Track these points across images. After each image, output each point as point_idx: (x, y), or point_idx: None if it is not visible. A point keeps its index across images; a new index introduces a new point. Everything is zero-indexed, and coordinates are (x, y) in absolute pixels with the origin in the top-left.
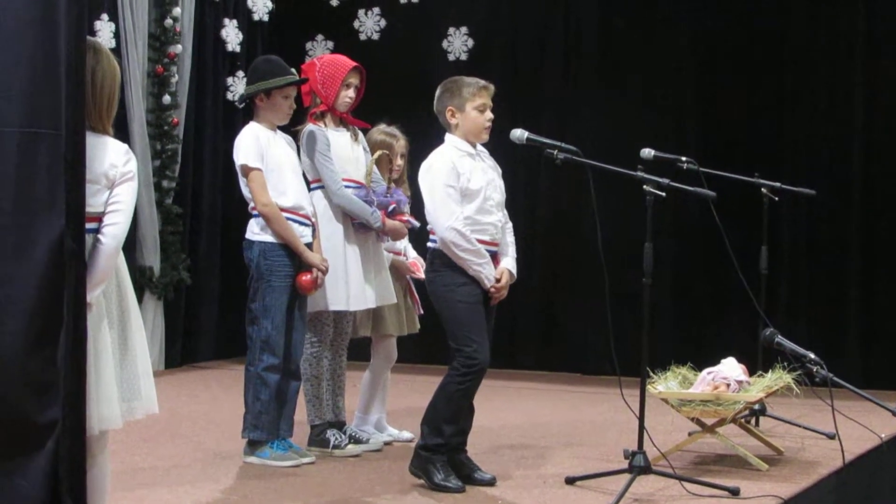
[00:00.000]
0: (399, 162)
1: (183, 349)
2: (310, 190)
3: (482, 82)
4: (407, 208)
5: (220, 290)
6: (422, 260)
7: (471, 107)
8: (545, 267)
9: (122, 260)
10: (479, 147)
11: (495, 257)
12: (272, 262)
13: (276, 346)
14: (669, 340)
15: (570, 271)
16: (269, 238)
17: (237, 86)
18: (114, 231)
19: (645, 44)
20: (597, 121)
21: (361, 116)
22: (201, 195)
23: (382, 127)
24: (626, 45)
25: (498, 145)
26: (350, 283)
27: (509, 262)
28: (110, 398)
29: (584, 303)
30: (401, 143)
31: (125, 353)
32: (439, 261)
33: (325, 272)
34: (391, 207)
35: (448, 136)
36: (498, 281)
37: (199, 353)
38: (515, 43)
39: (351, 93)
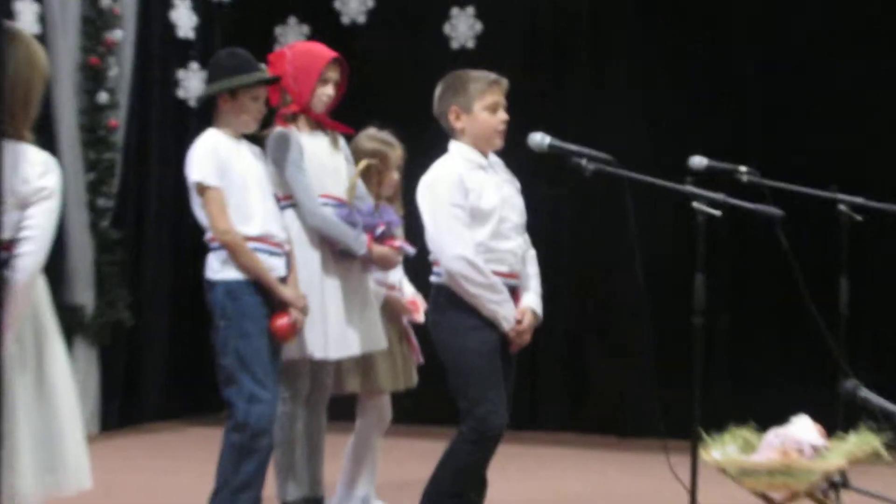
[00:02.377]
0: (394, 176)
1: (123, 407)
2: (280, 209)
3: (493, 76)
4: (399, 231)
5: (169, 333)
6: (422, 298)
7: (480, 106)
8: (574, 304)
9: (41, 295)
10: (492, 156)
11: (515, 293)
12: (243, 304)
13: (268, 404)
14: (727, 394)
15: (603, 310)
16: (234, 274)
17: (191, 81)
18: (25, 263)
19: (693, 33)
20: (634, 124)
21: (344, 120)
22: (146, 217)
23: (372, 132)
24: (670, 31)
25: (512, 154)
26: (329, 325)
27: (532, 299)
28: (23, 468)
29: (621, 348)
30: (396, 153)
31: (45, 412)
32: (445, 298)
33: (305, 311)
34: (379, 230)
35: (453, 144)
36: (519, 323)
37: (144, 412)
38: (534, 27)
39: (329, 90)
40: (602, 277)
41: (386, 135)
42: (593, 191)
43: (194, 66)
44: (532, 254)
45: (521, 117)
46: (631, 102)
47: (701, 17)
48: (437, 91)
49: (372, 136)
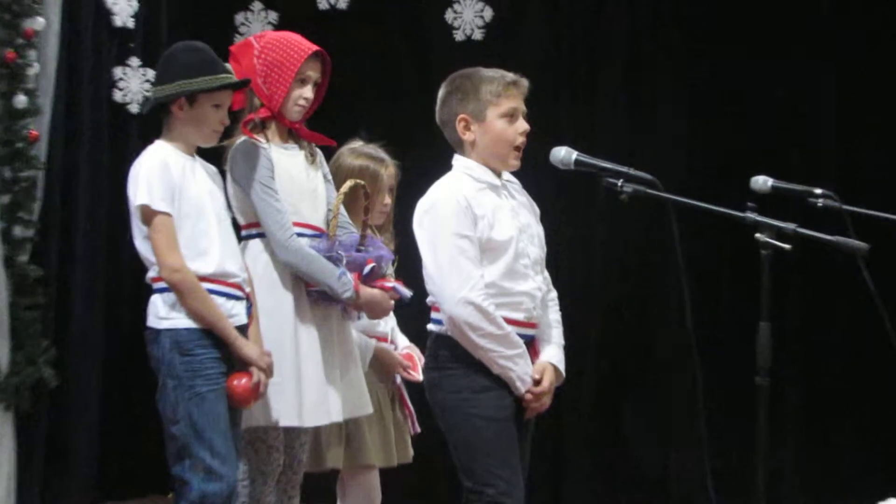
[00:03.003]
0: (386, 200)
1: (45, 486)
2: (241, 239)
3: (510, 76)
4: (391, 269)
5: (101, 395)
6: (418, 351)
7: (494, 114)
8: (604, 359)
9: None
10: (507, 175)
11: (532, 345)
12: (194, 359)
13: (227, 482)
14: (797, 468)
15: (641, 365)
16: (183, 322)
17: (131, 81)
18: None
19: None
20: (680, 135)
21: (324, 129)
22: (74, 250)
23: (358, 146)
24: (725, 23)
25: (529, 173)
26: (304, 386)
27: (554, 353)
28: None
29: (662, 412)
30: (389, 172)
31: None
32: (447, 352)
33: (269, 372)
34: (368, 268)
35: (458, 160)
36: (538, 383)
37: (70, 492)
38: (556, 14)
39: (308, 92)
40: (640, 325)
41: (375, 149)
42: (629, 217)
43: (135, 61)
44: (553, 296)
45: (541, 127)
46: (676, 109)
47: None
48: (441, 94)
49: (358, 151)
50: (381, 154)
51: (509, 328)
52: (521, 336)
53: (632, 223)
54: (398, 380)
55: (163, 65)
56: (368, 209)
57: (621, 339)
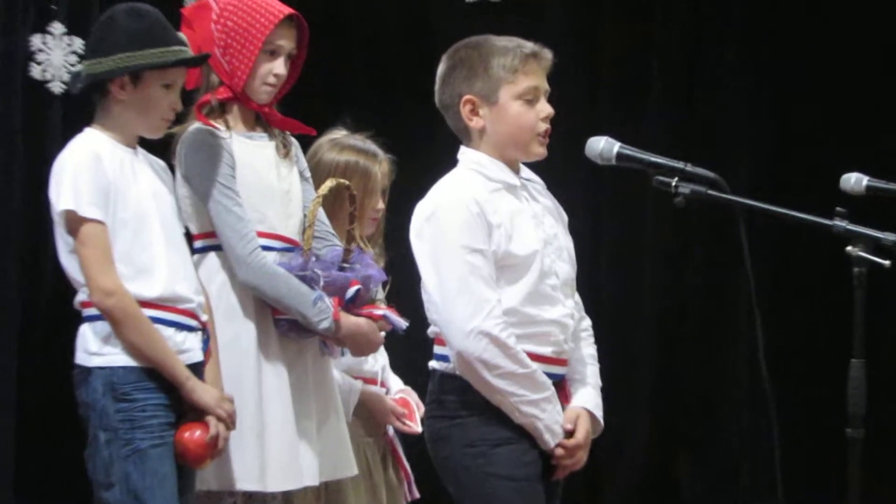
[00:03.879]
0: (377, 205)
1: None
2: (194, 253)
3: (529, 46)
4: (383, 293)
5: (14, 449)
6: (416, 396)
7: (510, 94)
8: (654, 403)
9: None
10: (526, 172)
11: (563, 388)
12: (134, 406)
13: None
14: None
15: (702, 411)
16: (120, 358)
17: (54, 54)
18: None
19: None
20: (748, 126)
21: (302, 115)
22: None
23: (342, 137)
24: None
25: (554, 170)
26: (270, 441)
27: (590, 397)
28: None
29: (728, 472)
30: (382, 169)
31: None
32: (455, 397)
33: (229, 423)
34: (352, 291)
35: (466, 154)
36: (570, 434)
37: None
38: None
39: (279, 66)
40: (698, 357)
41: (364, 140)
42: (685, 225)
43: (58, 28)
44: (587, 326)
45: (569, 112)
46: (742, 93)
47: None
48: (441, 71)
49: (343, 143)
50: (372, 146)
51: (534, 366)
52: (549, 375)
53: (689, 233)
54: (391, 432)
55: (98, 33)
56: (355, 216)
57: (676, 377)
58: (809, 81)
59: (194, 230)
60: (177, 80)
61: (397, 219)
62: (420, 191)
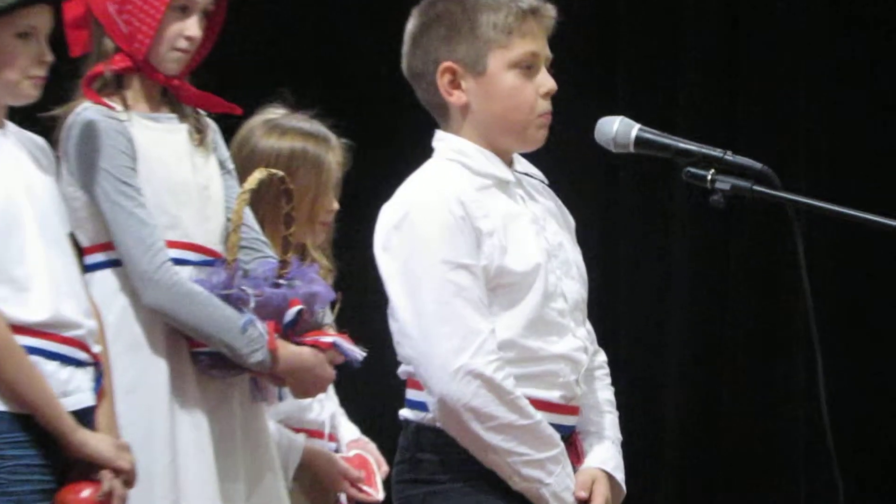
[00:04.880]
0: (333, 205)
1: None
2: (85, 271)
3: (526, 1)
4: (331, 316)
5: None
6: (378, 453)
7: (502, 62)
8: (686, 456)
9: None
10: (523, 164)
11: (573, 443)
12: (3, 465)
13: None
14: None
15: (749, 459)
16: None
17: None
18: None
19: None
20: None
21: (227, 91)
22: None
23: (280, 117)
24: None
25: (558, 162)
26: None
27: (608, 456)
28: None
29: None
30: (335, 157)
31: None
32: (434, 456)
33: (130, 478)
34: (292, 313)
35: (445, 140)
36: (584, 503)
37: None
38: None
39: (192, 27)
40: (742, 390)
41: (310, 122)
42: (724, 227)
43: None
44: (602, 361)
45: (578, 88)
46: (798, 77)
47: None
48: (412, 27)
49: (283, 126)
50: (321, 129)
51: (538, 415)
52: (556, 427)
53: (730, 236)
54: (342, 500)
55: None
56: (292, 217)
57: (713, 419)
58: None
59: (85, 241)
60: (38, 26)
61: (355, 223)
62: (383, 187)
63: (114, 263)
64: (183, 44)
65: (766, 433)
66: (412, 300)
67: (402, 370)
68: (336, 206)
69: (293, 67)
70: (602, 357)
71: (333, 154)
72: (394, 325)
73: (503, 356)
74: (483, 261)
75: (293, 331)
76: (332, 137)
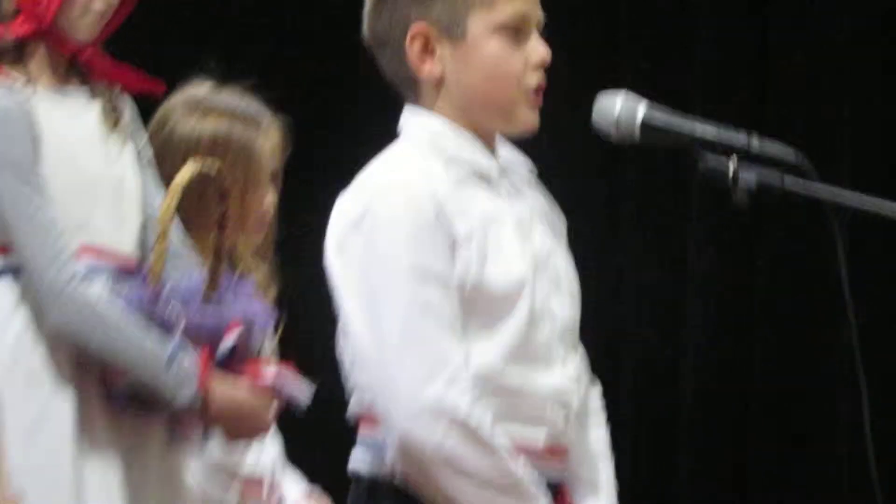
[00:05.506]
0: (268, 199)
1: None
2: None
3: None
4: (271, 340)
5: None
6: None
7: (485, 24)
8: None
9: None
10: (507, 150)
11: (561, 494)
12: None
13: None
14: None
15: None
16: None
17: None
18: None
19: None
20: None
21: (149, 65)
22: None
23: (205, 94)
24: None
25: (548, 149)
26: None
27: None
28: None
29: None
30: (270, 142)
31: None
32: None
33: None
34: (229, 340)
35: (415, 117)
36: None
37: None
38: None
39: None
40: (774, 416)
41: (239, 97)
42: (747, 227)
43: None
44: (596, 395)
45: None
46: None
47: None
48: None
49: (207, 104)
50: (253, 106)
51: (520, 468)
52: (544, 477)
53: (756, 238)
54: None
55: None
56: (226, 218)
57: (739, 470)
58: None
59: None
60: None
61: (297, 221)
62: (338, 177)
63: (13, 271)
64: (98, 5)
65: (798, 453)
66: (371, 316)
67: (352, 409)
68: (271, 200)
69: (230, 33)
70: (597, 389)
71: (266, 137)
72: (346, 346)
73: (481, 389)
74: (457, 271)
75: (229, 362)
76: (266, 117)
